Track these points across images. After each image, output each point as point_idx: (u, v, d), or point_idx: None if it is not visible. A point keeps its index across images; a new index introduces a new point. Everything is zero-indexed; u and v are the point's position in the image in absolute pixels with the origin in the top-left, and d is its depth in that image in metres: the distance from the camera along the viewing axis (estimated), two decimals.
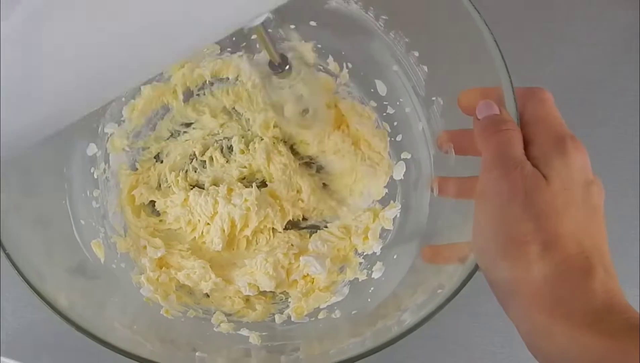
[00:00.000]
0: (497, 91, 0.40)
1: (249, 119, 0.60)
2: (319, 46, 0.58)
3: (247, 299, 0.54)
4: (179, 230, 0.57)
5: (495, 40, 0.43)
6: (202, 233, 0.56)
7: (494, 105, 0.38)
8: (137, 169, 0.58)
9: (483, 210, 0.34)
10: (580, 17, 0.66)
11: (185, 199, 0.57)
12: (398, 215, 0.55)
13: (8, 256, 0.40)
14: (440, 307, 0.37)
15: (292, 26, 0.57)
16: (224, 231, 0.55)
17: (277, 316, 0.52)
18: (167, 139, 0.59)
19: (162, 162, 0.59)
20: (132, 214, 0.56)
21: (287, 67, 0.46)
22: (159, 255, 0.53)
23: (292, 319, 0.52)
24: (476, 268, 0.36)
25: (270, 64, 0.45)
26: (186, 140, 0.59)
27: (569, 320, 0.31)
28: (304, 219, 0.58)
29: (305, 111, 0.52)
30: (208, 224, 0.56)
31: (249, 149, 0.59)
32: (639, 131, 0.61)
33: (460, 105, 0.42)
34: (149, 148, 0.59)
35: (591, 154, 0.36)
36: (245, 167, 0.58)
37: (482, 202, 0.35)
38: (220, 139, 0.59)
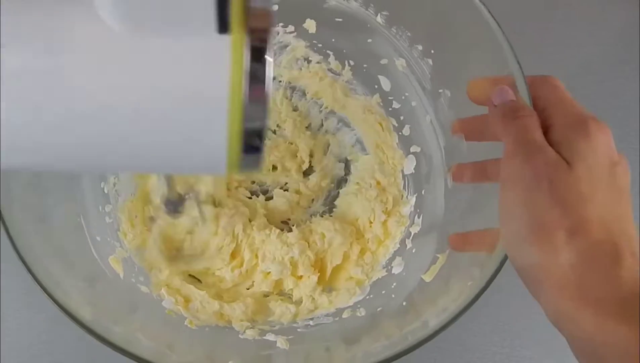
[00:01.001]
0: (509, 79, 0.40)
1: None
2: (320, 45, 0.58)
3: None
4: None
5: (501, 29, 0.43)
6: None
7: (510, 91, 0.38)
8: None
9: (509, 198, 0.34)
10: (580, 17, 0.66)
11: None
12: (412, 210, 0.55)
13: (32, 273, 0.40)
14: (471, 303, 0.37)
15: (292, 27, 0.57)
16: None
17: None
18: None
19: None
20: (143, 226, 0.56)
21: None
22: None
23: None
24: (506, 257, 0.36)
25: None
26: None
27: (595, 308, 0.31)
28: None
29: None
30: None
31: None
32: (639, 131, 0.62)
33: (470, 95, 0.42)
34: None
35: None
36: None
37: (507, 189, 0.35)
38: None
